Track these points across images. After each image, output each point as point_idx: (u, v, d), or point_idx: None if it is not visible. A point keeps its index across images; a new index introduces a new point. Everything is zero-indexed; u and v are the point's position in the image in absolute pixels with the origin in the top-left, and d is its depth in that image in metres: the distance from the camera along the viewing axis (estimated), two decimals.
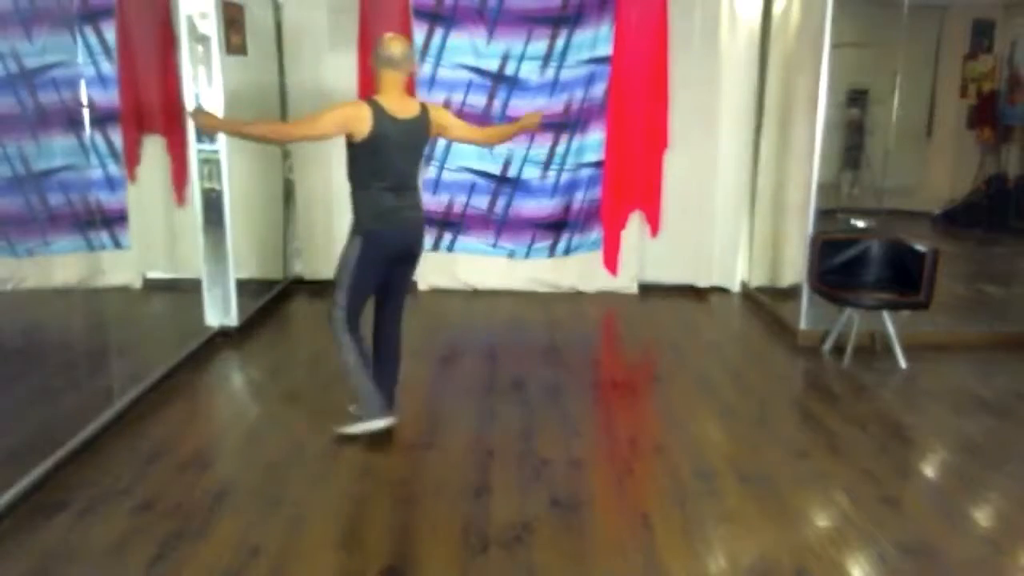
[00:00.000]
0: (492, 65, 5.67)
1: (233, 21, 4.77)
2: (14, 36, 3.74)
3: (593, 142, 5.80)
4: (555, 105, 5.72)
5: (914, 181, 7.59)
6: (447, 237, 5.96)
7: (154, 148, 5.10)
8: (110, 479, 3.11)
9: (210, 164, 4.54)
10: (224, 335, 4.79)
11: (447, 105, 5.67)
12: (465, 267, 6.00)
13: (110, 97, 4.78)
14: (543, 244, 5.97)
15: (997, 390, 4.23)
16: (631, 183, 5.84)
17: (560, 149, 5.81)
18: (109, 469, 3.19)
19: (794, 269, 5.29)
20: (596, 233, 5.95)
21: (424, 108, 3.36)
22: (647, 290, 6.03)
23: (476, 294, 5.96)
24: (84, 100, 4.25)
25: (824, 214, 4.97)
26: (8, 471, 2.95)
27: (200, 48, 4.45)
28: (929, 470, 3.47)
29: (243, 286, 4.87)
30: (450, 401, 4.01)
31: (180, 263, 5.14)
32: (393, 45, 3.23)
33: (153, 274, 5.23)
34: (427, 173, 5.82)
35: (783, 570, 2.61)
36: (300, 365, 4.50)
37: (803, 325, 4.90)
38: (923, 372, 4.48)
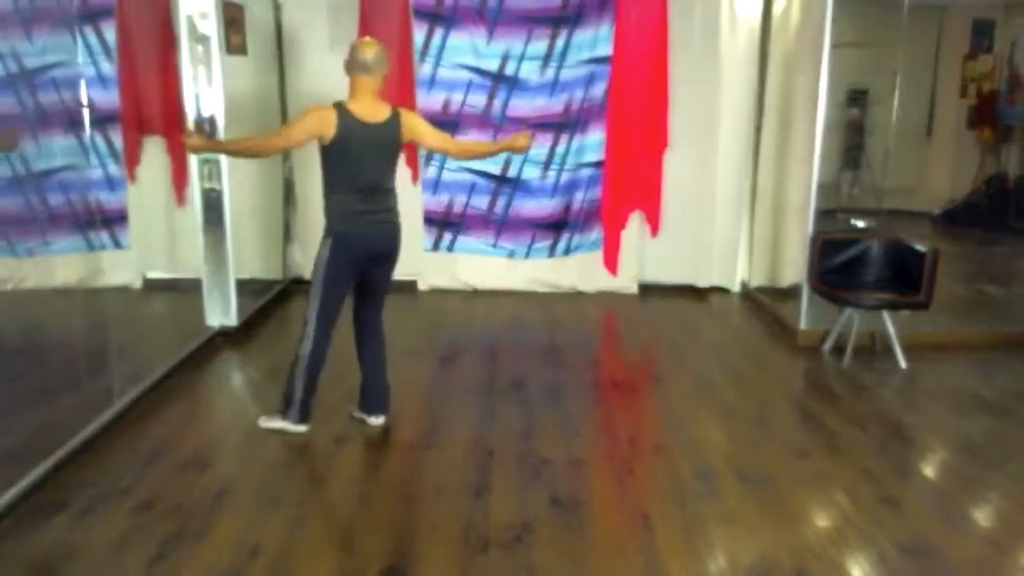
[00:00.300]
0: (492, 65, 5.67)
1: (233, 21, 4.77)
2: (14, 36, 3.74)
3: (593, 142, 5.80)
4: (555, 105, 5.72)
5: (914, 181, 7.59)
6: (447, 237, 5.96)
7: (154, 148, 5.11)
8: (110, 479, 3.11)
9: (210, 164, 4.54)
10: (224, 335, 4.79)
11: (447, 105, 5.68)
12: (465, 267, 6.00)
13: (110, 97, 4.78)
14: (543, 244, 5.97)
15: (997, 390, 4.23)
16: (631, 183, 5.84)
17: (560, 149, 5.81)
18: (109, 469, 3.19)
19: (794, 269, 5.29)
20: (596, 233, 5.95)
21: (396, 113, 3.36)
22: (647, 290, 6.03)
23: (476, 294, 5.96)
24: (84, 100, 4.25)
25: (824, 214, 4.97)
26: (8, 471, 2.95)
27: (200, 48, 4.45)
28: (929, 470, 3.47)
29: (243, 286, 4.87)
30: (450, 401, 4.01)
31: (180, 263, 5.14)
32: (366, 50, 3.26)
33: (153, 274, 5.23)
34: (427, 173, 5.83)
35: (783, 570, 2.61)
36: None
37: (803, 325, 4.90)
38: (923, 372, 4.48)
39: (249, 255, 5.15)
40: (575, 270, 6.00)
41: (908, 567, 2.64)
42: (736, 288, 6.13)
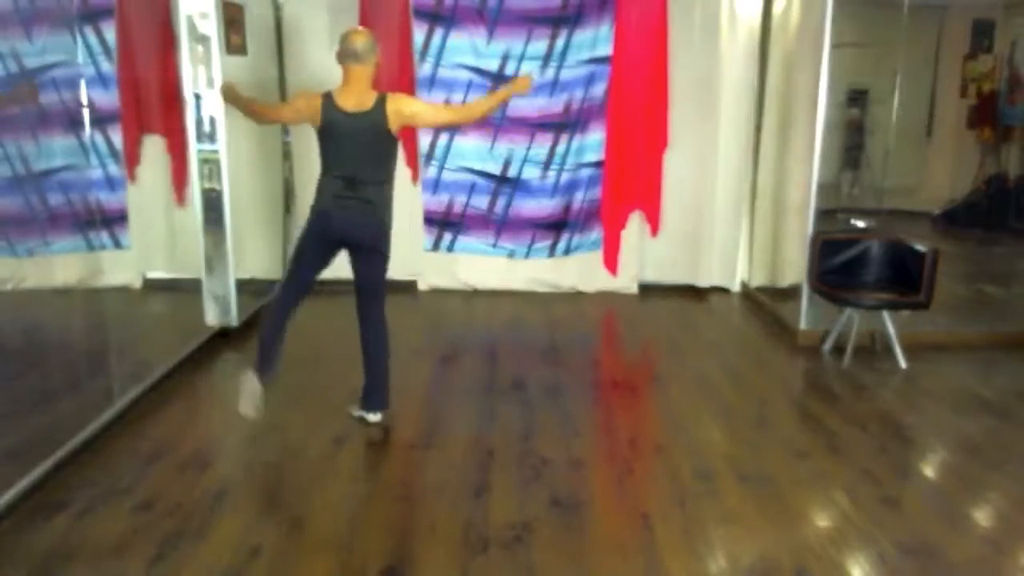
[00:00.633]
0: (492, 65, 5.67)
1: (233, 21, 4.77)
2: (14, 36, 3.74)
3: (593, 142, 5.80)
4: (555, 105, 5.72)
5: (914, 181, 7.59)
6: (447, 237, 5.96)
7: (154, 148, 5.10)
8: (110, 479, 3.11)
9: (210, 164, 4.54)
10: (224, 335, 4.78)
11: (447, 105, 5.67)
12: (465, 267, 6.00)
13: (110, 97, 4.78)
14: (543, 244, 5.97)
15: (997, 390, 4.23)
16: (631, 183, 5.84)
17: (560, 149, 5.81)
18: (109, 469, 3.19)
19: (794, 269, 5.29)
20: (596, 233, 5.95)
21: (381, 101, 3.34)
22: (647, 290, 6.03)
23: (476, 294, 5.96)
24: (84, 100, 4.25)
25: (824, 214, 4.97)
26: (8, 471, 2.95)
27: (200, 48, 4.45)
28: (929, 470, 3.47)
29: (243, 286, 4.86)
30: (450, 401, 4.01)
31: (180, 263, 5.14)
32: (355, 38, 3.35)
33: (153, 274, 5.23)
34: (427, 173, 5.83)
35: (783, 570, 2.61)
36: (300, 365, 4.49)
37: (803, 325, 4.90)
38: (923, 372, 4.48)
39: (249, 255, 5.15)
40: (575, 270, 6.00)
41: (908, 567, 2.64)
42: (736, 288, 6.13)
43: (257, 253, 5.44)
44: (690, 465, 3.32)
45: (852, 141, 7.24)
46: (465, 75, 5.67)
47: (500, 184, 5.86)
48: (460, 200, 5.89)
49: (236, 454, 3.47)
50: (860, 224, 5.15)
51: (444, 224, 5.93)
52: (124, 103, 4.87)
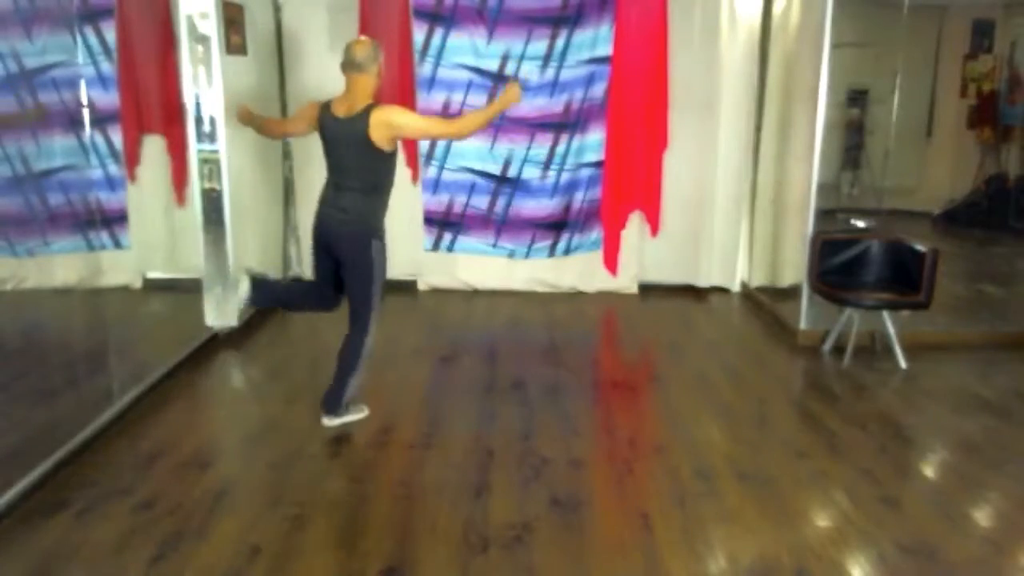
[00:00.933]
0: (492, 65, 5.67)
1: (233, 21, 4.77)
2: (14, 36, 3.74)
3: (593, 142, 5.80)
4: (555, 105, 5.72)
5: (914, 181, 7.60)
6: (447, 237, 5.96)
7: (154, 148, 5.10)
8: (110, 479, 3.11)
9: (210, 164, 4.54)
10: (224, 335, 4.78)
11: (447, 105, 5.68)
12: (465, 267, 6.00)
13: (110, 97, 4.77)
14: (543, 244, 5.97)
15: (997, 390, 4.23)
16: (631, 183, 5.84)
17: (560, 149, 5.81)
18: (109, 469, 3.20)
19: (794, 269, 5.29)
20: (596, 233, 5.95)
21: (368, 109, 3.31)
22: (647, 290, 6.03)
23: (476, 294, 5.96)
24: (84, 100, 4.25)
25: (824, 214, 4.97)
26: (8, 471, 2.95)
27: (200, 48, 4.45)
28: (929, 470, 3.47)
29: None
30: (450, 401, 4.01)
31: (180, 263, 5.14)
32: (355, 49, 3.37)
33: (153, 274, 5.22)
34: (427, 173, 5.83)
35: (783, 570, 2.61)
36: (300, 365, 4.50)
37: (803, 325, 4.90)
38: (923, 372, 4.48)
39: (249, 255, 5.14)
40: (575, 270, 6.00)
41: (908, 567, 2.64)
42: (736, 288, 6.13)
43: (257, 253, 5.44)
44: (690, 465, 3.32)
45: (852, 141, 7.25)
46: (465, 75, 5.67)
47: (500, 184, 5.86)
48: (460, 200, 5.89)
49: (236, 454, 3.47)
50: (860, 224, 5.15)
51: (444, 224, 5.93)
52: (124, 103, 4.87)
